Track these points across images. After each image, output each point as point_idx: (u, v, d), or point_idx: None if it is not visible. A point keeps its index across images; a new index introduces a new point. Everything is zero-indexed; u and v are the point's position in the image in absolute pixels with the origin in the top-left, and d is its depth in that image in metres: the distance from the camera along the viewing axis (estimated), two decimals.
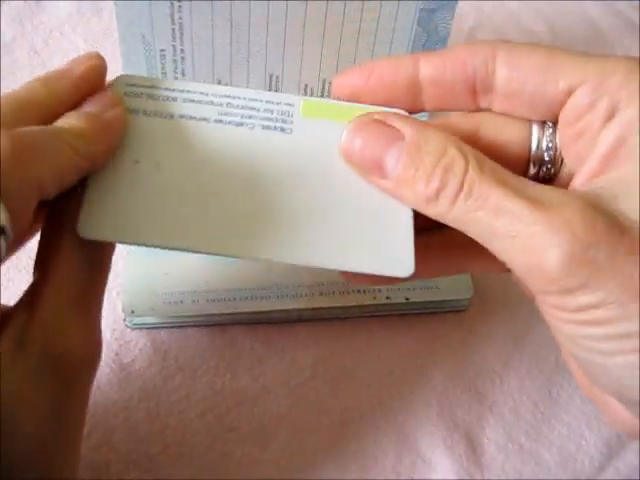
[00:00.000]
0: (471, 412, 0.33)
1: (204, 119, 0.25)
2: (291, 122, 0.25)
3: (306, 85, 0.37)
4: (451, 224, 0.22)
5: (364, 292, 0.34)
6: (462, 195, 0.21)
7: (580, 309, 0.20)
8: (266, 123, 0.25)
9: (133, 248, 0.33)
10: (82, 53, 0.44)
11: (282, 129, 0.25)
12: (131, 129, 0.24)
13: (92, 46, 0.43)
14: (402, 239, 0.24)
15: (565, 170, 0.24)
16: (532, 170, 0.24)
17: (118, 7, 0.31)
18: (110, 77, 0.42)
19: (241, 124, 0.25)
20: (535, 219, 0.20)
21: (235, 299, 0.33)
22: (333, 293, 0.34)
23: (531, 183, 0.22)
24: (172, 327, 0.34)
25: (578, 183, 0.22)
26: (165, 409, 0.32)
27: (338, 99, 0.26)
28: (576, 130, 0.23)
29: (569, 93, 0.23)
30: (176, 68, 0.35)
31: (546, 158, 0.24)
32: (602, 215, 0.20)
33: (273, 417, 0.32)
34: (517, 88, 0.23)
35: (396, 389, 0.33)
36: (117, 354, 0.33)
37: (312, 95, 0.37)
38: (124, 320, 0.33)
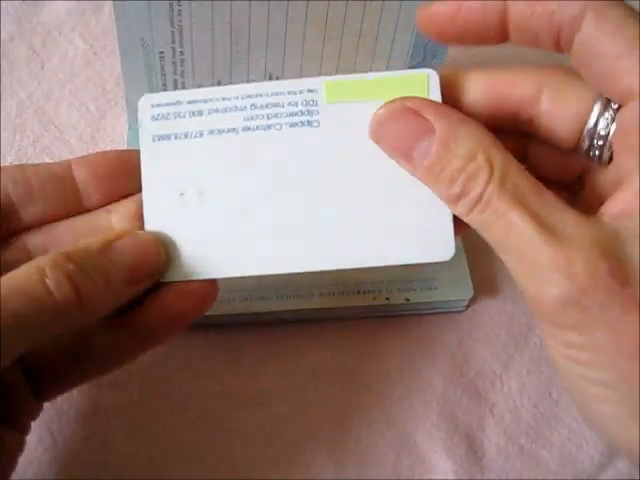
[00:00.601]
0: (471, 413, 0.33)
1: (232, 130, 0.25)
2: (317, 112, 0.24)
3: None
4: (470, 224, 0.22)
5: (364, 293, 0.34)
6: (479, 206, 0.21)
7: (567, 345, 0.20)
8: (292, 120, 0.24)
9: None
10: (81, 53, 0.44)
11: (309, 123, 0.24)
12: (168, 158, 0.25)
13: (91, 46, 0.43)
14: (441, 221, 0.24)
15: (613, 169, 0.23)
16: (584, 145, 0.23)
17: (117, 11, 0.31)
18: (110, 73, 0.42)
19: (268, 127, 0.24)
20: (542, 249, 0.20)
21: (235, 300, 0.33)
22: (333, 294, 0.34)
23: (552, 202, 0.21)
24: None
25: (609, 213, 0.21)
26: (166, 410, 0.32)
27: (423, 29, 0.24)
28: (626, 141, 0.21)
29: (630, 94, 0.21)
30: (175, 70, 0.35)
31: (597, 143, 0.22)
32: (607, 261, 0.19)
33: (273, 418, 0.32)
34: (588, 59, 0.22)
35: (396, 390, 0.33)
36: None
37: None
38: None
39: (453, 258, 0.34)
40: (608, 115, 0.22)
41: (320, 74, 0.36)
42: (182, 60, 0.34)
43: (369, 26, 0.34)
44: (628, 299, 0.19)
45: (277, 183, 0.24)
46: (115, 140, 0.39)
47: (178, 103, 0.25)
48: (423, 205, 0.24)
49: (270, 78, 0.36)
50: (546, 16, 0.22)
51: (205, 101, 0.25)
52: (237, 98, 0.25)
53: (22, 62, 0.42)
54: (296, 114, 0.25)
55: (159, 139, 0.25)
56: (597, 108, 0.22)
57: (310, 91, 0.25)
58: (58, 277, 0.21)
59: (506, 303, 0.36)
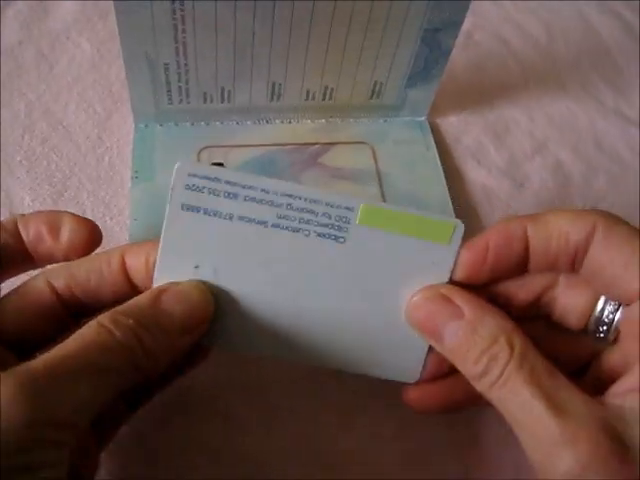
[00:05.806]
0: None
1: (262, 222, 0.25)
2: (346, 230, 0.25)
3: (308, 90, 0.38)
4: (489, 400, 0.24)
5: None
6: (498, 384, 0.24)
7: None
8: (322, 230, 0.25)
9: (132, 230, 0.34)
10: (88, 56, 0.44)
11: (336, 237, 0.25)
12: (192, 229, 0.25)
13: (98, 49, 0.44)
14: (417, 350, 0.27)
15: (619, 355, 0.26)
16: (591, 328, 0.27)
17: (121, 27, 0.32)
18: (116, 75, 0.42)
19: (297, 230, 0.25)
20: (551, 425, 0.22)
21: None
22: None
23: (563, 383, 0.23)
24: None
25: (615, 393, 0.24)
26: (169, 400, 0.31)
27: (464, 270, 0.26)
28: (634, 330, 0.25)
29: (637, 294, 0.24)
30: (180, 78, 0.35)
31: (599, 334, 0.27)
32: (609, 439, 0.21)
33: (276, 408, 0.32)
34: (599, 267, 0.25)
35: (397, 383, 0.33)
36: None
37: (314, 99, 0.38)
38: None
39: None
40: (610, 313, 0.26)
41: (322, 80, 0.37)
42: (186, 71, 0.35)
43: (371, 42, 0.34)
44: (627, 475, 0.21)
45: (287, 283, 0.26)
46: (121, 140, 0.39)
47: (216, 180, 0.25)
48: (406, 335, 0.27)
49: (273, 86, 0.36)
50: (564, 241, 0.25)
51: (243, 187, 0.25)
52: (275, 193, 0.25)
53: (31, 65, 0.43)
54: (326, 226, 0.25)
55: (187, 209, 0.25)
56: (600, 305, 0.26)
57: (347, 209, 0.25)
58: (123, 331, 0.22)
59: None
